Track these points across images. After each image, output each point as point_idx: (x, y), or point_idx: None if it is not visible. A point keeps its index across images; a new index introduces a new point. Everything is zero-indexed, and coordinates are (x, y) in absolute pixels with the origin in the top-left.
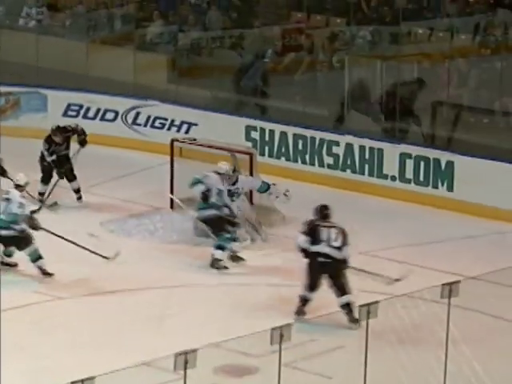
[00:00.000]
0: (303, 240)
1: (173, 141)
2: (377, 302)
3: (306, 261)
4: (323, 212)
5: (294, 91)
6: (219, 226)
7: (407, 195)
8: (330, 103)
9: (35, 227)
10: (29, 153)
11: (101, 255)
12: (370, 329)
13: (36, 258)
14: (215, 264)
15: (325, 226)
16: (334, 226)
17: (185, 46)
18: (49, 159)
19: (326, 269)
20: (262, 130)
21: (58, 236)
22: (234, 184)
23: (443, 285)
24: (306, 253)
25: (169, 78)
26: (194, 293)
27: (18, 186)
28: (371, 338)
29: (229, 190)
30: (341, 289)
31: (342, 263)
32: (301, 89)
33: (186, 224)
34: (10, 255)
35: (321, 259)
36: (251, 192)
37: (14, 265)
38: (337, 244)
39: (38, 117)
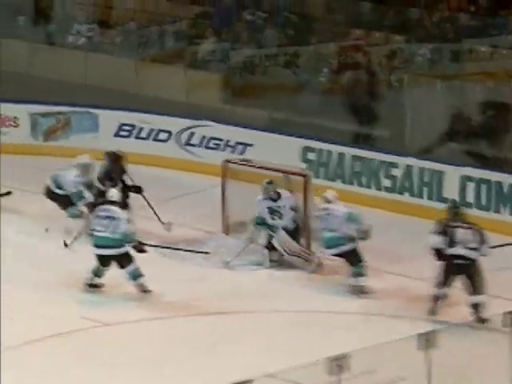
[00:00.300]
0: (438, 241)
1: (226, 162)
2: (436, 331)
3: (439, 262)
4: (454, 211)
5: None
6: (356, 257)
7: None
8: (388, 123)
9: (141, 248)
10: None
11: (201, 251)
12: (430, 359)
13: (138, 275)
14: (363, 290)
15: (460, 227)
16: (470, 227)
17: (238, 64)
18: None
19: (463, 270)
20: (319, 151)
21: (158, 246)
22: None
23: (506, 313)
24: (440, 254)
25: (222, 98)
26: (252, 319)
27: (113, 203)
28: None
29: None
30: (476, 288)
31: (478, 263)
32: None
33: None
34: (100, 276)
35: (457, 261)
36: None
37: (101, 286)
38: (473, 245)
39: (88, 137)
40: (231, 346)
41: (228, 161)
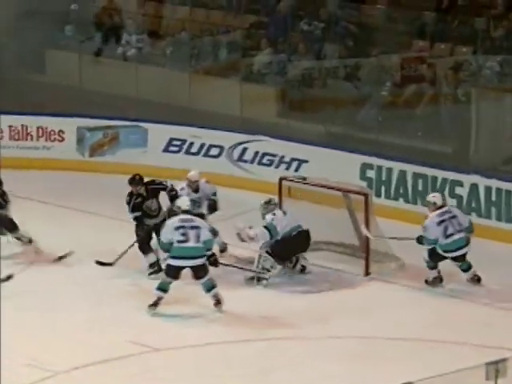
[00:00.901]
0: None
1: (281, 179)
2: (506, 360)
3: None
4: None
5: (414, 126)
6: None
7: None
8: (454, 140)
9: (216, 260)
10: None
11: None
12: None
13: (212, 286)
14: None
15: None
16: None
17: (295, 77)
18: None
19: None
20: (379, 169)
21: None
22: None
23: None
24: None
25: (278, 112)
26: (305, 345)
27: (185, 212)
28: None
29: None
30: None
31: None
32: (422, 124)
33: (295, 270)
34: (167, 291)
35: None
36: None
37: (158, 304)
38: None
39: (137, 152)
40: (284, 373)
41: (284, 178)
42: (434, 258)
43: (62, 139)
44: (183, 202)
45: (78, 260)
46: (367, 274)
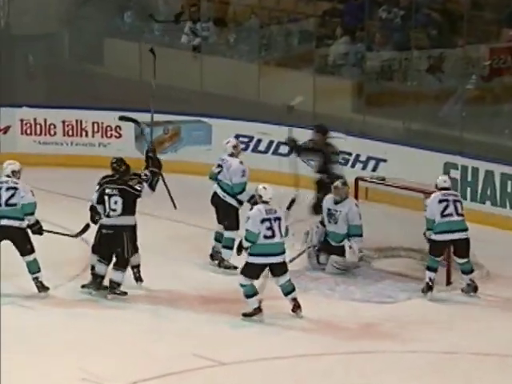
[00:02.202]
0: None
1: (357, 180)
2: None
3: None
4: None
5: (502, 123)
6: None
7: None
8: None
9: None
10: (191, 191)
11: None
12: None
13: (292, 289)
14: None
15: None
16: None
17: (373, 69)
18: None
19: None
20: (464, 168)
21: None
22: None
23: None
24: None
25: (354, 107)
26: (380, 360)
27: (265, 203)
28: None
29: None
30: None
31: None
32: (510, 120)
33: (371, 279)
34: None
35: None
36: None
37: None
38: None
39: (200, 150)
40: None
41: (360, 178)
42: (435, 250)
43: (120, 135)
44: (267, 193)
45: None
46: (449, 283)
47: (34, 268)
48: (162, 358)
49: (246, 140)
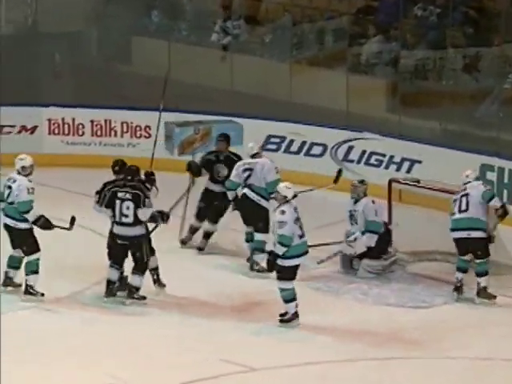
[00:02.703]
0: None
1: (391, 181)
2: None
3: None
4: None
5: None
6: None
7: None
8: None
9: None
10: None
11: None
12: None
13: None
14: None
15: None
16: None
17: (408, 68)
18: None
19: None
20: (500, 170)
21: None
22: None
23: None
24: None
25: (388, 107)
26: (414, 366)
27: (288, 202)
28: None
29: None
30: None
31: None
32: None
33: (405, 283)
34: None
35: None
36: None
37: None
38: None
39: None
40: None
41: (394, 180)
42: (457, 249)
43: (149, 135)
44: (291, 191)
45: None
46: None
47: (26, 269)
48: (191, 364)
49: (277, 141)
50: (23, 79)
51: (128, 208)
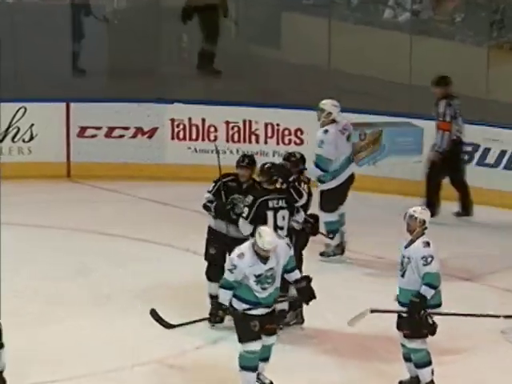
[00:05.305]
0: None
1: None
2: None
3: None
4: None
5: None
6: None
7: None
8: None
9: None
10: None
11: None
12: None
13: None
14: None
15: None
16: None
17: None
18: None
19: None
20: None
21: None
22: None
23: None
24: None
25: None
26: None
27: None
28: None
29: None
30: None
31: None
32: None
33: None
34: None
35: None
36: None
37: None
38: None
39: (407, 162)
40: None
41: None
42: None
43: (301, 141)
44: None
45: None
46: None
47: None
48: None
49: (468, 149)
50: (138, 66)
51: (284, 218)
